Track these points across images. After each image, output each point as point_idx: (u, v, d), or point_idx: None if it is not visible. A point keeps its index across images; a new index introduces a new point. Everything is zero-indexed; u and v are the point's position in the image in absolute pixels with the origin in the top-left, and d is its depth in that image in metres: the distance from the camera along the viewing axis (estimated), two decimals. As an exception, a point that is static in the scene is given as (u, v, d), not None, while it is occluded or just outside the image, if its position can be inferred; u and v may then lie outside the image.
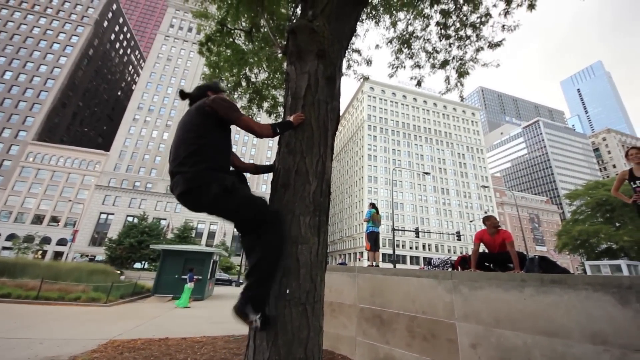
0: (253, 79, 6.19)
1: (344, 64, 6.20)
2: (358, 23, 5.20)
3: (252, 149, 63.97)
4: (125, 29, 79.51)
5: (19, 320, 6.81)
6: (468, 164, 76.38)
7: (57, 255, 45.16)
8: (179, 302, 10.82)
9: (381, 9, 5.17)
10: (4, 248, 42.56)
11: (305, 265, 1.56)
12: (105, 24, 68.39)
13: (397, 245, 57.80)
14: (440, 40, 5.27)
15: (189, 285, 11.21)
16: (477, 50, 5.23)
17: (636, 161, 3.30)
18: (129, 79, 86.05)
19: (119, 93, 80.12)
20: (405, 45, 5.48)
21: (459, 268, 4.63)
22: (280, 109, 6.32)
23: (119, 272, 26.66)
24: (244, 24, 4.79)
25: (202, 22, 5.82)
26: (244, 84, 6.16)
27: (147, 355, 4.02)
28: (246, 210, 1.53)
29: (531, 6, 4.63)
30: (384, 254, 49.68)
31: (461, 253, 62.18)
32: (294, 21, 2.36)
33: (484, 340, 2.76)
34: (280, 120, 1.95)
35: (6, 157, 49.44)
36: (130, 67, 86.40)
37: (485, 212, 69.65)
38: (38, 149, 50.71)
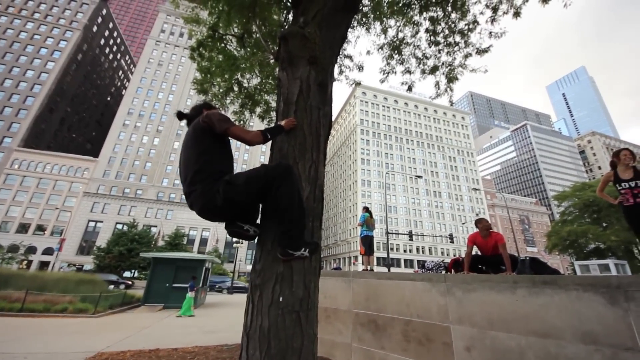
0: (245, 84, 6.18)
1: (336, 69, 6.26)
2: (349, 30, 5.27)
3: (245, 153, 63.67)
4: (115, 34, 78.69)
5: (2, 334, 6.53)
6: (459, 167, 77.56)
7: (43, 265, 43.68)
8: (182, 312, 10.73)
9: (371, 16, 5.25)
10: (-13, 258, 40.97)
11: (298, 272, 1.54)
12: (95, 28, 67.56)
13: (391, 249, 57.97)
14: (430, 47, 5.38)
15: (190, 294, 11.14)
16: (466, 56, 5.35)
17: (628, 163, 3.37)
18: (119, 84, 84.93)
19: (109, 98, 78.92)
20: (396, 52, 5.56)
21: (452, 271, 4.66)
22: (273, 114, 6.32)
23: (130, 282, 25.87)
24: (236, 29, 4.79)
25: (193, 28, 5.81)
26: (236, 89, 6.14)
27: (136, 367, 3.89)
28: (254, 179, 1.58)
29: (517, 14, 4.78)
30: (378, 258, 49.72)
31: (454, 255, 62.68)
32: (286, 28, 2.38)
33: (479, 342, 2.77)
34: (272, 125, 1.96)
35: (-10, 165, 47.97)
36: (120, 72, 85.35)
37: (477, 215, 70.68)
38: (24, 155, 49.35)
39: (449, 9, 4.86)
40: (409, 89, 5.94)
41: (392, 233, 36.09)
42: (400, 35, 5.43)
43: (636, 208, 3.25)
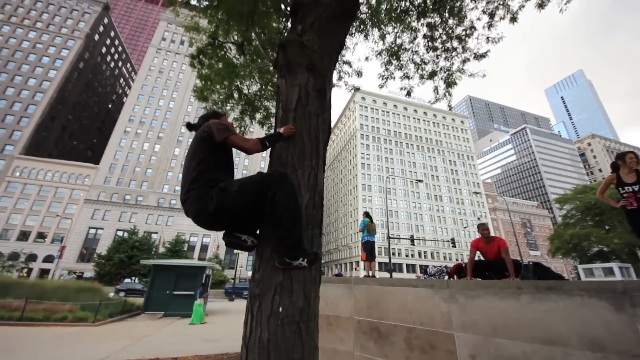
0: (245, 91, 6.22)
1: (335, 75, 6.31)
2: (347, 36, 5.31)
3: (246, 159, 63.84)
4: (116, 42, 79.62)
5: (1, 344, 6.47)
6: (459, 170, 77.53)
7: (44, 272, 43.49)
8: (193, 320, 10.78)
9: (369, 23, 5.30)
10: (-13, 267, 40.81)
11: (298, 281, 1.52)
12: (97, 37, 68.41)
13: (393, 254, 57.61)
14: (428, 52, 5.41)
15: (199, 302, 11.20)
16: (464, 61, 5.38)
17: (633, 166, 3.34)
18: (120, 91, 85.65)
19: (110, 106, 79.50)
20: (394, 57, 5.60)
21: (455, 276, 4.61)
22: (273, 120, 6.34)
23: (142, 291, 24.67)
24: (235, 37, 4.84)
25: (194, 36, 5.87)
26: (236, 95, 6.18)
27: (135, 378, 3.83)
28: (248, 186, 1.57)
29: (513, 19, 4.82)
30: (380, 263, 49.41)
31: (457, 260, 62.27)
32: (284, 36, 2.39)
33: (483, 350, 2.72)
34: (272, 131, 1.96)
35: (-9, 173, 48.13)
36: (122, 79, 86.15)
37: (479, 218, 70.40)
38: (25, 163, 49.53)
39: (446, 15, 4.90)
40: (408, 94, 5.96)
41: (394, 238, 35.90)
42: (399, 41, 5.47)
43: None
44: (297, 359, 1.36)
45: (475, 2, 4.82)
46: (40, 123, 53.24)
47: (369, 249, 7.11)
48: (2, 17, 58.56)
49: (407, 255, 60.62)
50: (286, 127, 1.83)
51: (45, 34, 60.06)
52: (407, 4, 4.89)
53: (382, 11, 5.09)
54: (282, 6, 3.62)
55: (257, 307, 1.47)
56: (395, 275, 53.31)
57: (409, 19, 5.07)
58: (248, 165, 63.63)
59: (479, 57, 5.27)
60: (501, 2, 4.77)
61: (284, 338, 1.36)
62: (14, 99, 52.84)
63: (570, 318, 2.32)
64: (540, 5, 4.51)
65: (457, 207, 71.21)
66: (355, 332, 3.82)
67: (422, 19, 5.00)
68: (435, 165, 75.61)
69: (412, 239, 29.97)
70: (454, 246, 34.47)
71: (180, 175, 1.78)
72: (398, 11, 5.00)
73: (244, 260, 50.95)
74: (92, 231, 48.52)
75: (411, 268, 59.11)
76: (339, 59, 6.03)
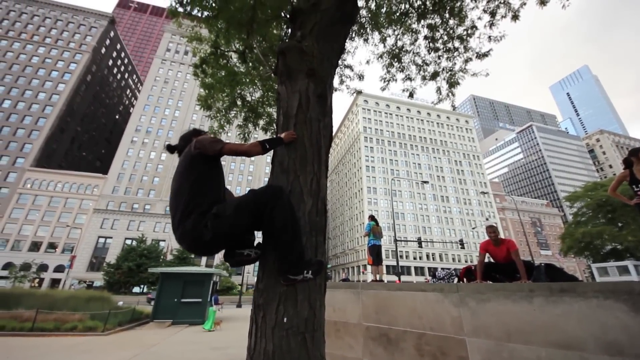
0: (248, 98, 6.27)
1: (337, 79, 6.32)
2: (348, 40, 5.33)
3: (251, 165, 64.18)
4: (122, 55, 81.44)
5: (12, 355, 6.53)
6: (466, 170, 76.71)
7: (55, 282, 44.14)
8: (205, 326, 11.02)
9: (368, 27, 5.30)
10: (0, 277, 41.61)
11: (302, 291, 1.49)
12: (103, 50, 70.10)
13: (401, 256, 56.99)
14: (430, 53, 5.38)
15: (214, 308, 11.44)
16: (466, 61, 5.33)
17: None
18: (127, 102, 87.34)
19: (117, 117, 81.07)
20: (396, 60, 5.58)
21: (465, 279, 4.52)
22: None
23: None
24: (237, 45, 4.89)
25: (197, 46, 5.96)
26: (239, 102, 6.23)
27: (144, 388, 3.82)
28: (243, 207, 1.53)
29: (515, 17, 4.77)
30: (387, 266, 48.88)
31: (466, 262, 61.29)
32: (283, 42, 2.40)
33: (496, 356, 2.64)
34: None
35: (3, 185, 49.25)
36: (128, 90, 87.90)
37: (487, 219, 69.37)
38: (36, 175, 50.63)
39: (447, 15, 4.88)
40: (411, 95, 5.92)
41: (401, 240, 35.54)
42: (400, 43, 5.46)
43: None
44: (303, 371, 1.33)
45: (476, 1, 4.80)
46: (50, 135, 54.52)
47: (375, 252, 7.02)
48: (13, 34, 60.49)
49: (415, 258, 59.88)
50: (287, 133, 1.81)
51: (54, 49, 61.79)
52: (407, 6, 4.89)
53: (382, 14, 5.09)
54: (282, 13, 3.65)
55: (261, 318, 1.44)
56: (404, 278, 52.67)
57: (409, 21, 5.06)
58: (253, 171, 63.97)
59: (481, 56, 5.22)
60: (502, 1, 4.73)
61: (289, 349, 1.33)
62: (24, 113, 54.28)
63: (586, 321, 2.24)
64: (542, 2, 4.47)
65: (465, 208, 70.31)
66: (364, 338, 3.76)
67: (422, 21, 4.99)
68: (440, 165, 74.96)
69: (419, 241, 29.63)
70: (463, 247, 33.97)
71: None
72: (398, 14, 4.99)
73: (251, 266, 50.95)
74: (102, 240, 49.15)
75: (419, 271, 58.35)
76: (340, 64, 6.06)
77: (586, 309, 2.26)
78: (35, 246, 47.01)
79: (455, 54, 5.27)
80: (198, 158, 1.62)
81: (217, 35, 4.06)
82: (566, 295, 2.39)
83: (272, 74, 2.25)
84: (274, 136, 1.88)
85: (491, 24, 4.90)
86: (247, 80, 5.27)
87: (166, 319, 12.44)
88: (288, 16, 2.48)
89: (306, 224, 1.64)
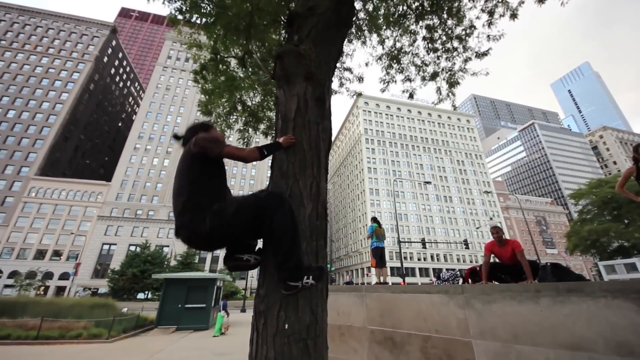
0: (248, 103, 6.29)
1: (337, 82, 6.32)
2: (346, 43, 5.34)
3: (253, 169, 64.35)
4: (124, 63, 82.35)
5: (17, 364, 6.54)
6: (468, 170, 76.34)
7: (60, 290, 44.31)
8: (215, 331, 11.15)
9: (366, 29, 5.31)
10: (6, 286, 41.87)
11: (304, 296, 1.46)
12: (106, 59, 70.94)
13: (405, 258, 56.62)
14: (429, 54, 5.37)
15: (222, 314, 11.60)
16: (465, 60, 5.32)
17: None
18: (129, 109, 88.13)
19: (120, 124, 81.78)
20: (395, 61, 5.58)
21: (470, 280, 4.47)
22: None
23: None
24: (236, 51, 4.92)
25: (197, 52, 6.00)
26: (239, 107, 6.25)
27: (149, 396, 3.80)
28: (244, 210, 1.52)
29: (513, 16, 4.76)
30: (392, 268, 48.54)
31: (470, 262, 60.66)
32: (281, 46, 2.41)
33: (504, 358, 2.59)
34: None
35: (8, 194, 49.72)
36: (131, 98, 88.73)
37: (491, 218, 68.87)
38: (40, 183, 51.09)
39: (445, 16, 4.87)
40: (411, 96, 5.91)
41: (404, 241, 35.24)
42: (398, 44, 5.46)
43: None
44: (306, 378, 1.30)
45: (474, 1, 4.79)
46: (54, 144, 55.07)
47: (378, 255, 6.97)
48: (17, 46, 61.42)
49: (419, 259, 59.47)
50: (285, 137, 1.80)
51: (57, 59, 62.62)
52: (405, 7, 4.89)
53: (380, 16, 5.10)
54: (280, 18, 3.67)
55: (262, 325, 1.42)
56: (408, 280, 52.28)
57: (407, 23, 5.06)
58: (255, 175, 64.11)
59: (481, 55, 5.21)
60: (500, 0, 4.72)
61: (291, 357, 1.31)
62: (29, 122, 54.93)
63: (595, 321, 2.20)
64: (540, 0, 4.46)
65: (468, 208, 69.86)
66: (369, 342, 3.72)
67: (420, 22, 4.98)
68: (443, 166, 74.68)
69: (423, 242, 29.44)
70: (467, 248, 33.71)
71: None
72: (396, 15, 4.99)
73: (255, 270, 50.78)
74: (106, 247, 49.35)
75: (424, 272, 57.91)
76: (340, 66, 6.07)
77: (594, 308, 2.22)
78: (40, 254, 47.29)
79: (455, 54, 5.26)
80: (198, 157, 1.60)
81: (215, 41, 4.09)
82: (573, 295, 2.35)
83: (271, 79, 2.25)
84: (273, 141, 1.87)
85: (489, 23, 4.89)
86: (247, 85, 5.29)
87: (170, 325, 12.42)
88: (285, 20, 2.48)
89: (306, 228, 1.62)
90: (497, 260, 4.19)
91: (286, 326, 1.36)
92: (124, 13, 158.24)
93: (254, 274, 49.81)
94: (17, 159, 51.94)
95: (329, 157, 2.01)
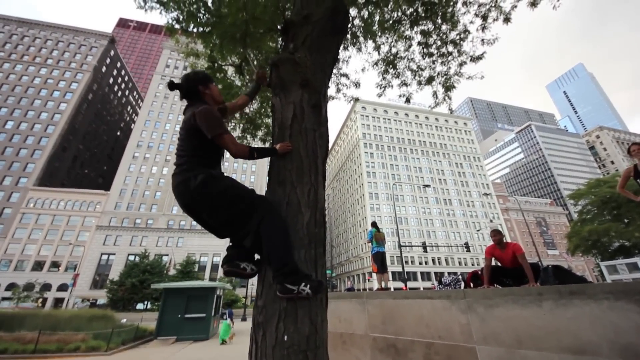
0: (246, 110, 6.32)
1: (334, 88, 6.36)
2: (342, 50, 5.38)
3: (252, 176, 64.32)
4: (123, 72, 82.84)
5: (14, 380, 6.41)
6: (467, 172, 76.53)
7: (58, 301, 43.73)
8: (224, 336, 11.42)
9: (361, 36, 5.37)
10: (4, 298, 41.31)
11: (303, 306, 1.44)
12: (104, 69, 71.36)
13: (406, 262, 56.30)
14: (424, 58, 5.43)
15: (228, 322, 11.96)
16: (461, 64, 5.37)
17: (637, 157, 3.28)
18: (128, 118, 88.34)
19: (118, 133, 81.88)
20: (391, 66, 5.63)
21: (471, 285, 4.43)
22: (273, 137, 6.38)
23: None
24: (233, 59, 4.96)
25: (194, 61, 6.05)
26: (237, 115, 6.28)
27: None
28: (237, 193, 1.56)
29: (507, 20, 4.82)
30: (393, 272, 48.24)
31: (472, 265, 60.34)
32: (276, 54, 2.42)
33: (508, 363, 2.55)
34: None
35: (7, 205, 49.42)
36: (129, 107, 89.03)
37: (491, 220, 68.79)
38: (38, 194, 50.84)
39: (439, 21, 4.94)
40: (407, 100, 5.95)
41: (405, 245, 35.08)
42: (394, 50, 5.51)
43: None
44: (307, 391, 1.27)
45: (467, 6, 4.86)
46: (52, 154, 54.99)
47: (379, 260, 6.93)
48: (15, 57, 61.80)
49: (420, 263, 59.13)
50: (282, 144, 1.80)
51: (55, 70, 62.96)
52: (399, 13, 4.95)
53: (375, 23, 5.16)
54: (277, 26, 3.70)
55: (261, 337, 1.39)
56: (410, 284, 51.90)
57: (402, 28, 5.12)
58: (254, 181, 64.05)
59: (476, 59, 5.26)
60: (493, 4, 4.79)
61: (290, 369, 1.28)
62: (27, 133, 54.93)
63: (599, 324, 2.17)
64: (533, 4, 4.52)
65: (468, 210, 69.82)
66: (371, 349, 3.66)
67: (415, 27, 5.04)
68: (441, 169, 74.85)
69: (424, 246, 29.32)
70: (468, 250, 33.51)
71: None
72: (391, 22, 5.06)
73: (255, 278, 50.30)
74: (105, 257, 48.89)
75: (426, 276, 57.54)
76: (336, 72, 6.11)
77: (597, 311, 2.20)
78: (38, 265, 46.79)
79: (450, 58, 5.31)
80: (195, 131, 1.62)
81: (212, 50, 4.13)
82: (576, 297, 2.33)
83: (267, 86, 2.26)
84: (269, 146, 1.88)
85: (483, 28, 4.95)
86: (243, 92, 5.31)
87: (170, 335, 12.24)
88: (280, 29, 2.51)
89: (305, 236, 1.61)
90: (499, 264, 4.16)
91: (285, 338, 1.34)
92: (122, 23, 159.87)
93: (254, 282, 49.39)
94: (15, 169, 51.78)
95: (326, 164, 2.00)
